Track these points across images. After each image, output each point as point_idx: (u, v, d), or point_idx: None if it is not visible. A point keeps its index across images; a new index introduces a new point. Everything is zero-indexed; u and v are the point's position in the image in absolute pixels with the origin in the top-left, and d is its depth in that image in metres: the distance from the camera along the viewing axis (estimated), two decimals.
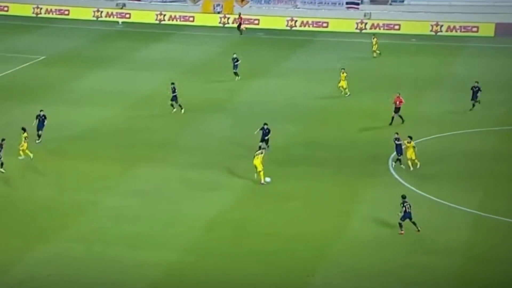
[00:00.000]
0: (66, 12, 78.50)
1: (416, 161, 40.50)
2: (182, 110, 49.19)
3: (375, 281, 30.57)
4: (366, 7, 75.91)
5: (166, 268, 31.46)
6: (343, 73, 52.92)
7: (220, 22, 76.45)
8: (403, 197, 33.84)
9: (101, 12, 77.94)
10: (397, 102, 47.03)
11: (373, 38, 64.12)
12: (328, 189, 38.89)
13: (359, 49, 67.16)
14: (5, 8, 79.49)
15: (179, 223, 35.31)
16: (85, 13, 78.00)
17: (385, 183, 39.42)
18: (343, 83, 52.75)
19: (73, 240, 33.52)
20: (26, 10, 78.81)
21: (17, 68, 60.38)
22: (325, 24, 74.53)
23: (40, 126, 43.66)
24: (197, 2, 78.20)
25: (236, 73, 56.47)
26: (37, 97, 52.59)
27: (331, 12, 75.91)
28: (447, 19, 72.61)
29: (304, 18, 75.17)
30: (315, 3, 76.90)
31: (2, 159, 38.98)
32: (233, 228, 35.00)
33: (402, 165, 40.67)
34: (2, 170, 39.26)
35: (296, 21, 75.11)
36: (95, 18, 77.95)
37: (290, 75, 58.91)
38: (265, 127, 42.53)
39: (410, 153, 40.28)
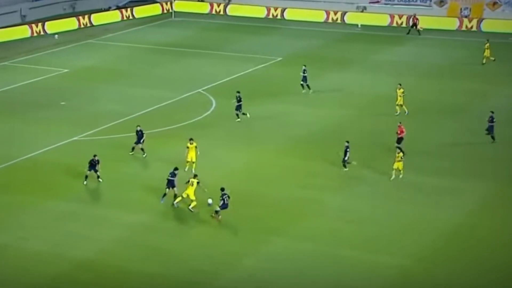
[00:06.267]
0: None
1: (401, 171, 38.24)
2: (241, 118, 47.19)
3: None
4: None
5: (397, 274, 29.72)
6: (399, 89, 47.50)
7: (466, 27, 73.24)
8: (222, 189, 33.59)
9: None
10: (399, 132, 41.59)
11: (486, 44, 59.05)
12: None
13: None
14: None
15: (414, 228, 33.39)
16: (320, 16, 78.23)
17: None
18: (400, 100, 47.31)
19: (302, 238, 32.61)
20: (260, 12, 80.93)
21: (256, 68, 61.19)
22: None
23: (138, 141, 41.39)
24: (443, 5, 75.38)
25: (308, 86, 52.96)
26: (274, 95, 53.03)
27: None
28: None
29: None
30: None
31: (99, 172, 38.10)
32: (472, 236, 32.70)
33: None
34: (100, 180, 38.29)
35: None
36: (331, 21, 77.80)
37: None
38: (176, 172, 35.46)
39: (398, 164, 38.18)
